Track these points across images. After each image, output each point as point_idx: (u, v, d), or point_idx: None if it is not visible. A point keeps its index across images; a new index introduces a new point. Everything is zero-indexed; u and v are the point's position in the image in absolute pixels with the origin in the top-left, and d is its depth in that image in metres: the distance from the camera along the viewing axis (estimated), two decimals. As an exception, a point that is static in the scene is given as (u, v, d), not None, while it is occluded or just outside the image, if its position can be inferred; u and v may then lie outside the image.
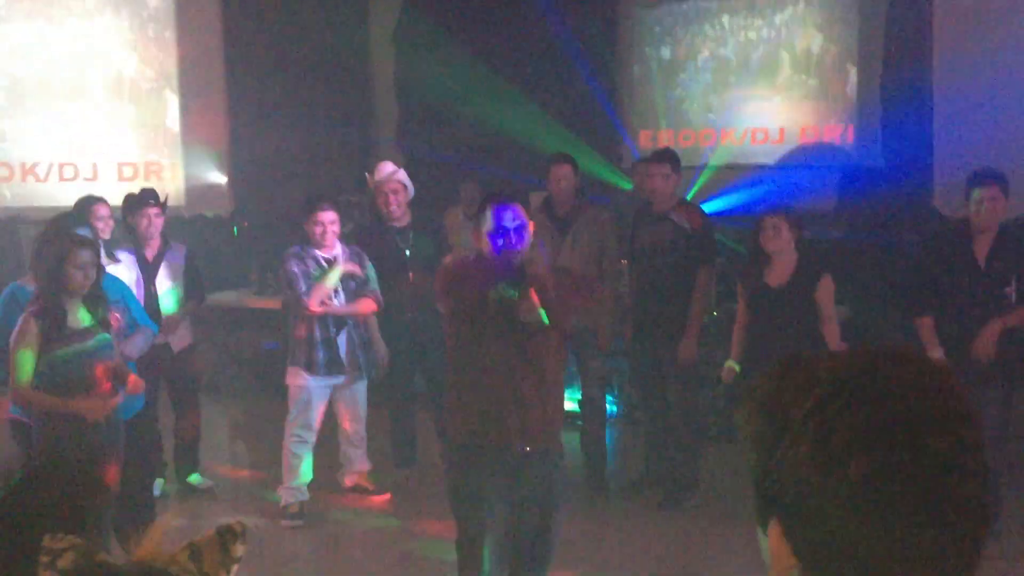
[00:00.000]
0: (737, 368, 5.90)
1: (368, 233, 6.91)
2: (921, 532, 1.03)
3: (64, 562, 1.49)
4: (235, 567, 1.56)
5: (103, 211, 6.34)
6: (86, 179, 11.01)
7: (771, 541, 1.12)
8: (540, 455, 4.11)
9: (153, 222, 6.45)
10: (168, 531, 1.52)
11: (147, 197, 6.48)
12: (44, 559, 1.49)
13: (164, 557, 1.48)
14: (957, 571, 1.06)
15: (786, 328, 5.68)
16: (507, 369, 4.01)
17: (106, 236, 6.31)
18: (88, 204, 6.35)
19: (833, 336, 5.72)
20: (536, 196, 8.29)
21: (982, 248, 5.43)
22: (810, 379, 1.10)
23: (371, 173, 6.87)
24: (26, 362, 4.72)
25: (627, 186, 9.53)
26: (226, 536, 1.56)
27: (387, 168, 6.76)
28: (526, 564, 4.25)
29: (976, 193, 5.38)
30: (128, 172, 11.22)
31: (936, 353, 5.33)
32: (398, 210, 6.70)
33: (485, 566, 4.17)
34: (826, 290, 5.72)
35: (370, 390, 6.59)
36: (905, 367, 1.09)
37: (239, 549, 1.55)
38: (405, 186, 6.74)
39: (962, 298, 5.40)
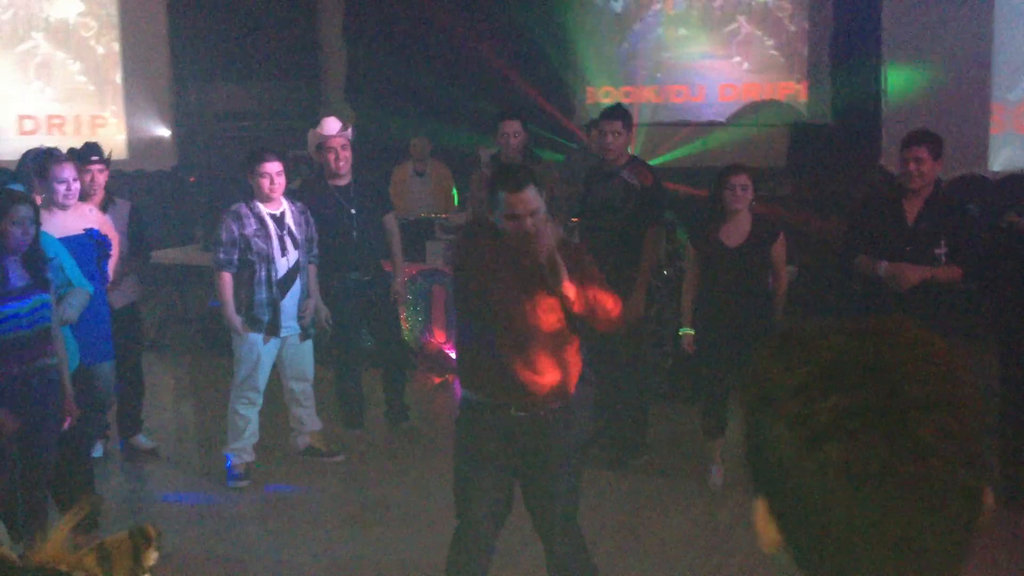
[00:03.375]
0: (692, 332, 5.88)
1: (312, 190, 6.80)
2: (900, 517, 1.01)
3: None
4: None
5: (67, 172, 5.99)
6: (14, 132, 10.76)
7: (757, 515, 1.10)
8: (539, 421, 4.02)
9: (96, 178, 6.28)
10: (108, 496, 1.43)
11: (90, 152, 6.29)
12: None
13: (70, 560, 1.38)
14: (941, 558, 1.04)
15: (741, 287, 5.67)
16: (510, 330, 3.94)
17: (70, 203, 6.02)
18: (34, 159, 6.16)
19: (782, 294, 5.76)
20: (485, 151, 8.24)
21: (912, 208, 5.44)
22: (801, 356, 1.07)
23: (316, 129, 6.75)
24: None
25: (578, 145, 9.47)
26: (138, 540, 1.45)
27: (333, 125, 6.64)
28: (547, 539, 4.17)
29: (904, 153, 5.39)
30: (70, 127, 10.97)
31: (882, 268, 5.35)
32: (344, 166, 6.60)
33: (480, 529, 4.08)
34: (781, 249, 5.74)
35: (318, 350, 6.52)
36: (900, 347, 1.05)
37: (152, 557, 1.45)
38: (351, 142, 6.65)
39: (891, 256, 5.41)
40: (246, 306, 6.10)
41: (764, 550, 1.10)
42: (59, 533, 1.37)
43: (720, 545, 5.33)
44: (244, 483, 6.19)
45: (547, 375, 3.99)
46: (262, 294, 6.09)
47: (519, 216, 3.89)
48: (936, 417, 1.01)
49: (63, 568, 1.35)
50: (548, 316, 3.98)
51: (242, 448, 6.25)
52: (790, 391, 1.05)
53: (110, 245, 5.97)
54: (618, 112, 6.27)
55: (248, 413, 6.22)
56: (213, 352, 8.51)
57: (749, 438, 1.09)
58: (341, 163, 6.57)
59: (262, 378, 6.22)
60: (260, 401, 6.26)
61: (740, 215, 5.76)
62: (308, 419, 6.54)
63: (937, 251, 5.37)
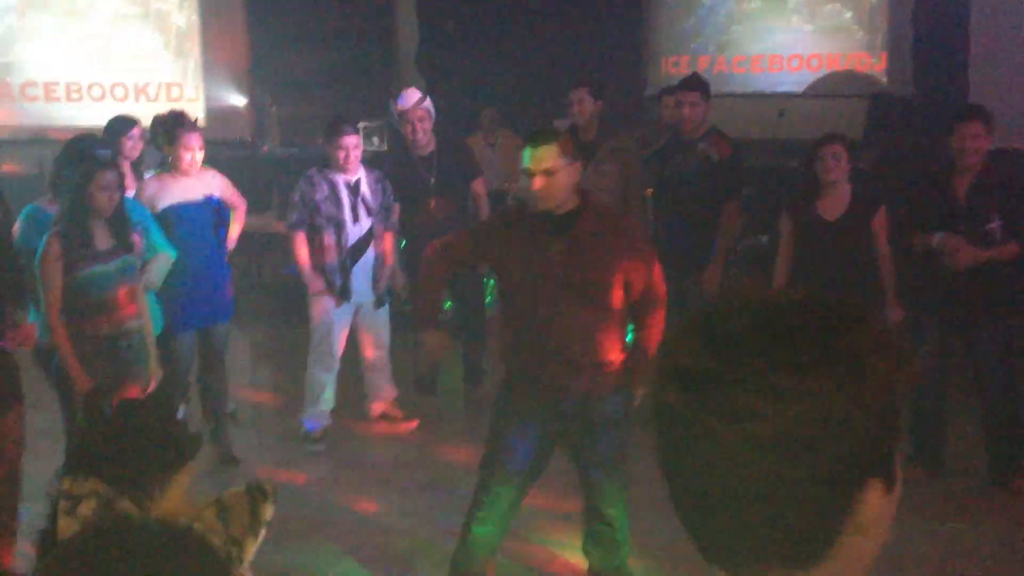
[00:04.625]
0: None
1: (393, 161, 6.86)
2: (727, 473, 0.99)
3: (85, 509, 1.43)
4: (263, 532, 1.48)
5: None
6: (95, 98, 10.93)
7: None
8: (582, 401, 4.08)
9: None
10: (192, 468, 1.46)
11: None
12: (64, 504, 1.43)
13: (190, 512, 1.40)
14: (799, 521, 1.00)
15: (841, 261, 5.46)
16: (550, 310, 3.98)
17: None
18: (120, 126, 6.31)
19: (888, 269, 5.55)
20: (561, 122, 8.19)
21: (963, 184, 5.30)
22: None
23: (394, 100, 6.77)
24: (54, 283, 4.71)
25: (651, 116, 9.38)
26: (256, 495, 1.48)
27: (413, 96, 6.66)
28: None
29: (960, 129, 5.25)
30: (152, 93, 11.12)
31: (936, 239, 5.25)
32: (424, 137, 6.62)
33: (500, 501, 4.16)
34: (882, 221, 5.53)
35: (396, 318, 6.57)
36: (746, 317, 1.02)
37: (268, 511, 1.48)
38: (430, 113, 6.66)
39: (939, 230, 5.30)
40: (318, 271, 6.17)
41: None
42: (178, 487, 1.40)
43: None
44: (321, 447, 6.28)
45: (591, 353, 4.02)
46: (333, 259, 6.15)
47: (531, 171, 3.92)
48: (759, 380, 0.97)
49: (184, 520, 1.38)
50: (593, 297, 3.99)
51: (319, 413, 6.33)
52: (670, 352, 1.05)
53: (228, 211, 6.08)
54: (696, 82, 6.21)
55: (324, 378, 6.30)
56: (289, 320, 8.61)
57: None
58: (420, 135, 6.59)
59: (336, 343, 6.29)
60: (336, 366, 6.33)
61: (838, 186, 5.53)
62: (383, 385, 6.60)
63: (991, 226, 5.24)
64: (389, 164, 6.73)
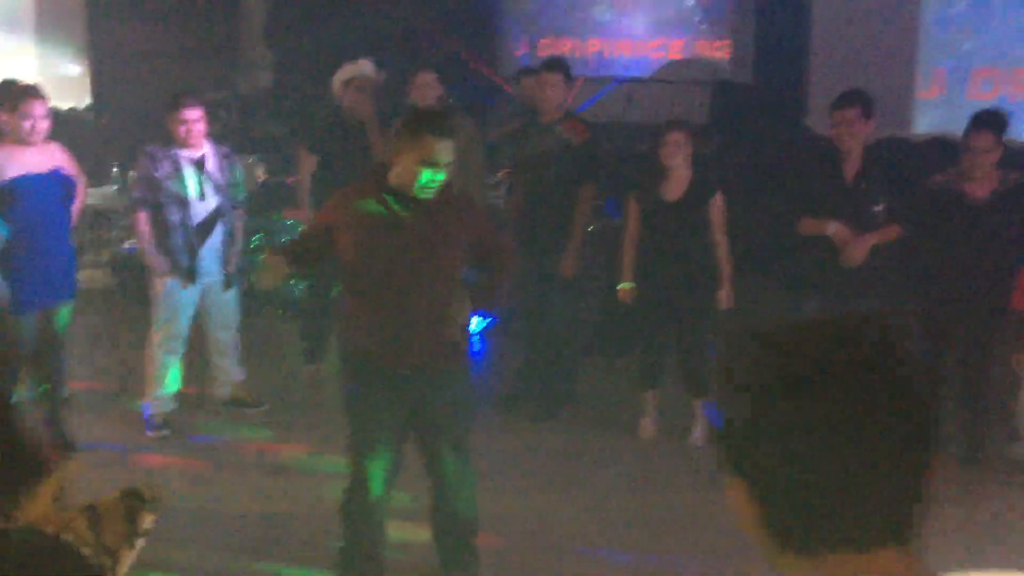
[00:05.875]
0: (631, 285, 5.89)
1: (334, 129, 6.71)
2: (850, 471, 1.10)
3: None
4: (141, 541, 1.36)
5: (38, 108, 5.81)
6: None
7: (734, 497, 1.17)
8: (432, 375, 4.03)
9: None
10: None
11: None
12: None
13: (58, 521, 1.28)
14: (896, 508, 1.13)
15: (682, 242, 5.73)
16: (399, 284, 3.90)
17: (36, 140, 5.81)
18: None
19: (724, 251, 5.78)
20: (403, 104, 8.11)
21: (851, 167, 5.49)
22: (767, 358, 1.15)
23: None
24: None
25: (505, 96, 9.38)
26: (132, 502, 1.35)
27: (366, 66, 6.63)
28: (442, 498, 4.27)
29: (835, 115, 5.43)
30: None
31: (832, 228, 5.41)
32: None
33: (374, 486, 4.10)
34: (719, 205, 5.77)
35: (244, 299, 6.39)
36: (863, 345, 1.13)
37: (146, 519, 1.36)
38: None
39: (830, 215, 5.47)
40: (162, 251, 5.94)
41: (742, 530, 1.17)
42: (45, 492, 1.28)
43: (653, 495, 5.39)
44: (165, 432, 6.06)
45: (438, 332, 3.98)
46: (177, 238, 5.93)
47: (436, 164, 3.82)
48: (877, 378, 1.09)
49: (51, 530, 1.26)
50: (444, 276, 3.96)
51: (162, 397, 6.10)
52: (757, 388, 1.13)
53: (75, 185, 5.75)
54: (558, 64, 6.22)
55: (167, 360, 6.07)
56: (128, 298, 8.30)
57: (725, 423, 1.17)
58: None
59: (181, 325, 6.07)
60: (181, 349, 6.11)
61: (679, 171, 5.77)
62: (231, 369, 6.41)
63: (876, 209, 5.45)
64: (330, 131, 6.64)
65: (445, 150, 3.83)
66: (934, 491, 1.13)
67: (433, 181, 3.85)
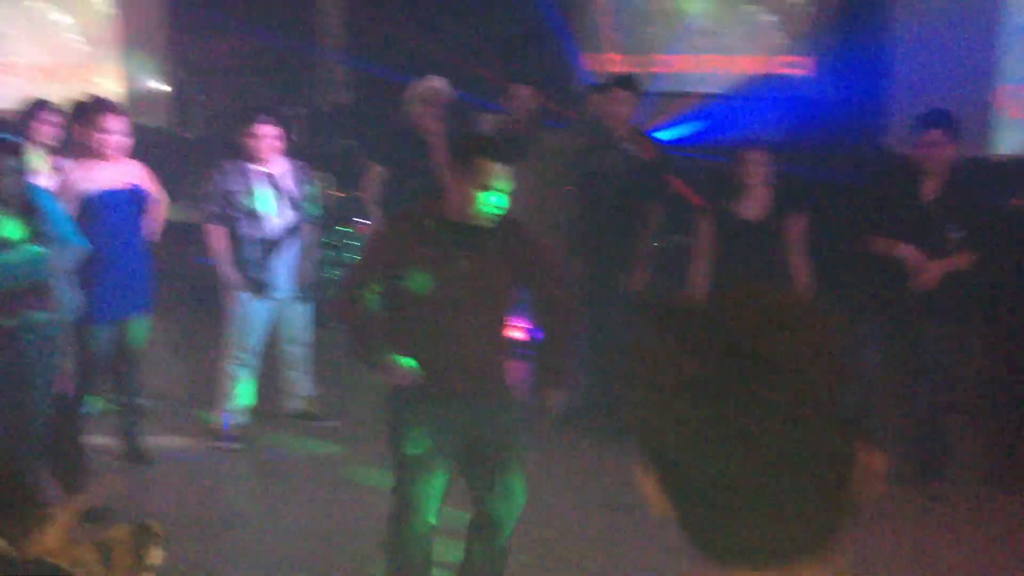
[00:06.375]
0: None
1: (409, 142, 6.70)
2: (757, 479, 1.03)
3: None
4: None
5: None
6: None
7: (647, 484, 1.13)
8: (482, 399, 3.93)
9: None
10: (100, 455, 1.33)
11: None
12: None
13: (69, 554, 1.29)
14: (812, 521, 1.05)
15: (761, 262, 5.60)
16: (449, 313, 3.81)
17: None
18: (32, 108, 6.09)
19: (802, 270, 5.69)
20: (488, 118, 8.13)
21: (929, 189, 5.36)
22: (662, 327, 1.09)
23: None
24: None
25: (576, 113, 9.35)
26: (142, 538, 1.36)
27: (437, 82, 6.63)
28: (483, 521, 4.07)
29: (920, 137, 5.30)
30: (64, 75, 10.80)
31: (904, 250, 5.29)
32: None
33: (423, 518, 3.99)
34: (799, 224, 5.68)
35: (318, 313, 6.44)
36: (752, 312, 1.08)
37: (155, 555, 1.36)
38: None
39: (904, 236, 5.34)
40: (236, 265, 6.02)
41: (656, 515, 1.12)
42: (59, 523, 1.29)
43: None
44: (235, 445, 6.14)
45: (488, 359, 3.89)
46: (249, 252, 6.00)
47: (500, 190, 3.70)
48: (786, 379, 1.01)
49: (62, 564, 1.27)
50: (495, 305, 3.88)
51: (234, 410, 6.18)
52: (651, 362, 1.06)
53: (150, 201, 5.87)
54: (628, 81, 6.20)
55: (239, 374, 6.15)
56: (203, 312, 8.42)
57: (633, 411, 1.11)
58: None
59: (254, 338, 6.14)
60: (253, 362, 6.18)
61: (759, 189, 5.69)
62: (303, 383, 6.47)
63: (951, 234, 5.31)
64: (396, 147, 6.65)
65: (501, 174, 3.72)
66: (865, 504, 1.06)
67: (490, 207, 3.74)
